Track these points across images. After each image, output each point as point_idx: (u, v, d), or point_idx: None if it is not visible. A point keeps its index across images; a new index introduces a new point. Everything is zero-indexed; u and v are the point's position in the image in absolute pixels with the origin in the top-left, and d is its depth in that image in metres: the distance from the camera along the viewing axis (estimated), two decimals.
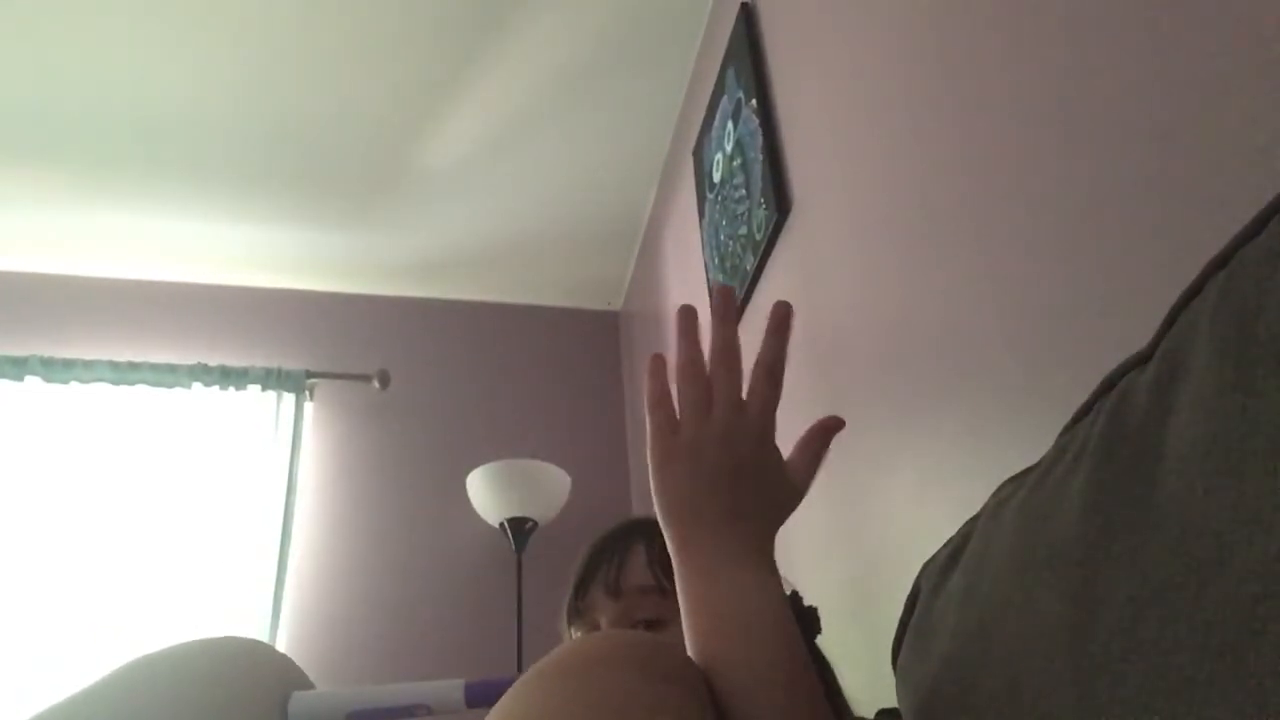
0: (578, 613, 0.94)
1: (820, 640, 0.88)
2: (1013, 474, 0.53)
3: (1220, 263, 0.35)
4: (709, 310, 2.03)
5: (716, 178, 1.98)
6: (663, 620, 0.89)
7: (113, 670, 0.62)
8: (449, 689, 0.69)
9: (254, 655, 0.67)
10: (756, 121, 1.71)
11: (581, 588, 0.94)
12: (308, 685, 0.69)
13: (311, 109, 2.35)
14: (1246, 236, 0.34)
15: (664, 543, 0.62)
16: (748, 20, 1.83)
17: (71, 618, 2.26)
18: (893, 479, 1.19)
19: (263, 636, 2.34)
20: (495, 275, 3.02)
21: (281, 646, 2.35)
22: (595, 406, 3.00)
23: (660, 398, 0.63)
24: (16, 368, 2.52)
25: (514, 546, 2.48)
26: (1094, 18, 0.82)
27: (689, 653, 0.56)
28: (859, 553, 1.29)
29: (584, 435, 2.91)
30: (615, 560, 0.93)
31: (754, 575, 0.59)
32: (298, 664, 0.73)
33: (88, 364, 2.58)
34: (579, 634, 0.94)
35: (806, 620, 0.91)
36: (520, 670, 2.35)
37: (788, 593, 0.92)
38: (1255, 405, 0.29)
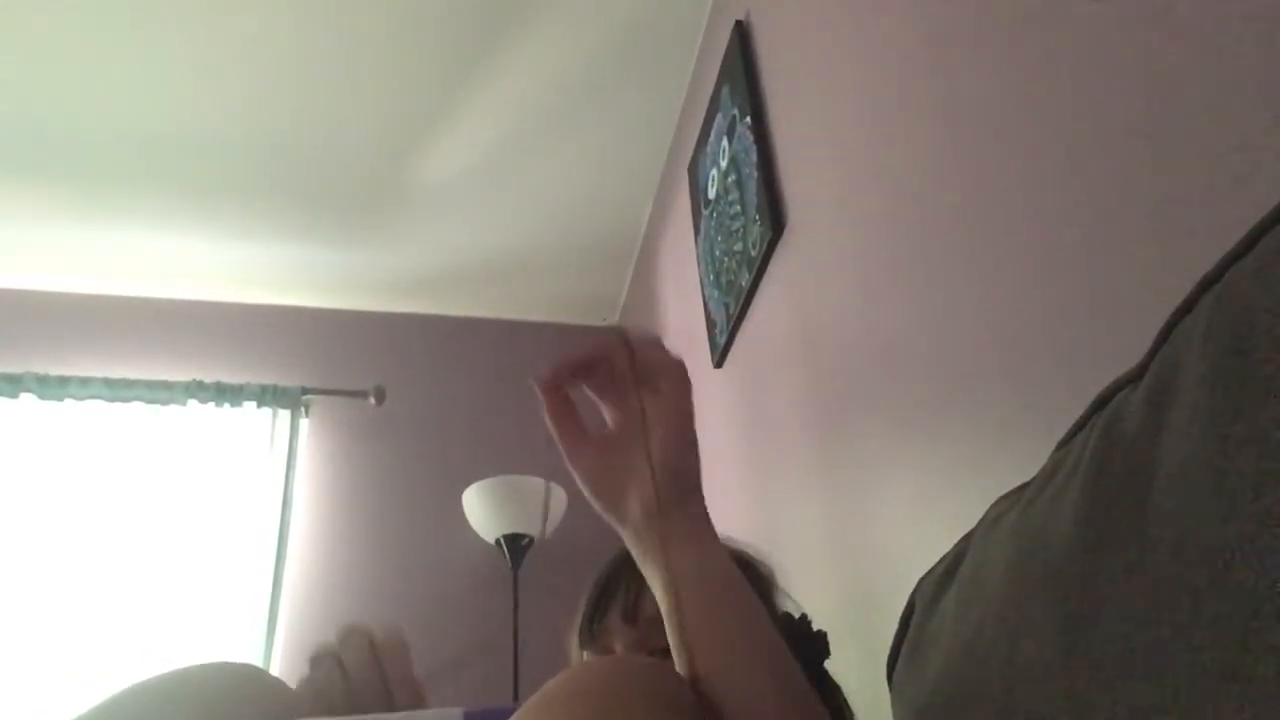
0: (591, 637, 0.93)
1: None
2: (1007, 490, 0.53)
3: (1211, 281, 0.35)
4: (706, 325, 2.03)
5: (711, 194, 1.99)
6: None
7: (106, 698, 0.61)
8: (447, 718, 0.67)
9: (248, 681, 0.67)
10: (751, 138, 1.72)
11: (597, 613, 0.93)
12: (303, 712, 0.68)
13: (309, 126, 2.36)
14: (1237, 255, 0.34)
15: None
16: (742, 37, 1.84)
17: (66, 636, 2.25)
18: (888, 495, 1.19)
19: (257, 654, 2.33)
20: (491, 291, 3.02)
21: (276, 664, 2.34)
22: (591, 422, 3.00)
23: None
24: (11, 385, 2.52)
25: (510, 563, 2.47)
26: (1094, 40, 0.83)
27: (677, 628, 0.58)
28: (855, 569, 1.28)
29: None
30: (633, 587, 0.91)
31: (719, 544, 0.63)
32: (292, 683, 0.72)
33: (83, 381, 2.57)
34: (590, 658, 0.93)
35: (817, 644, 0.91)
36: (516, 684, 2.33)
37: (796, 616, 0.92)
38: (1246, 423, 0.29)
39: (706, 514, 0.64)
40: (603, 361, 0.65)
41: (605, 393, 0.67)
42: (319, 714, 0.71)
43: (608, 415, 0.68)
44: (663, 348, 0.66)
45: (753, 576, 0.93)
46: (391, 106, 2.32)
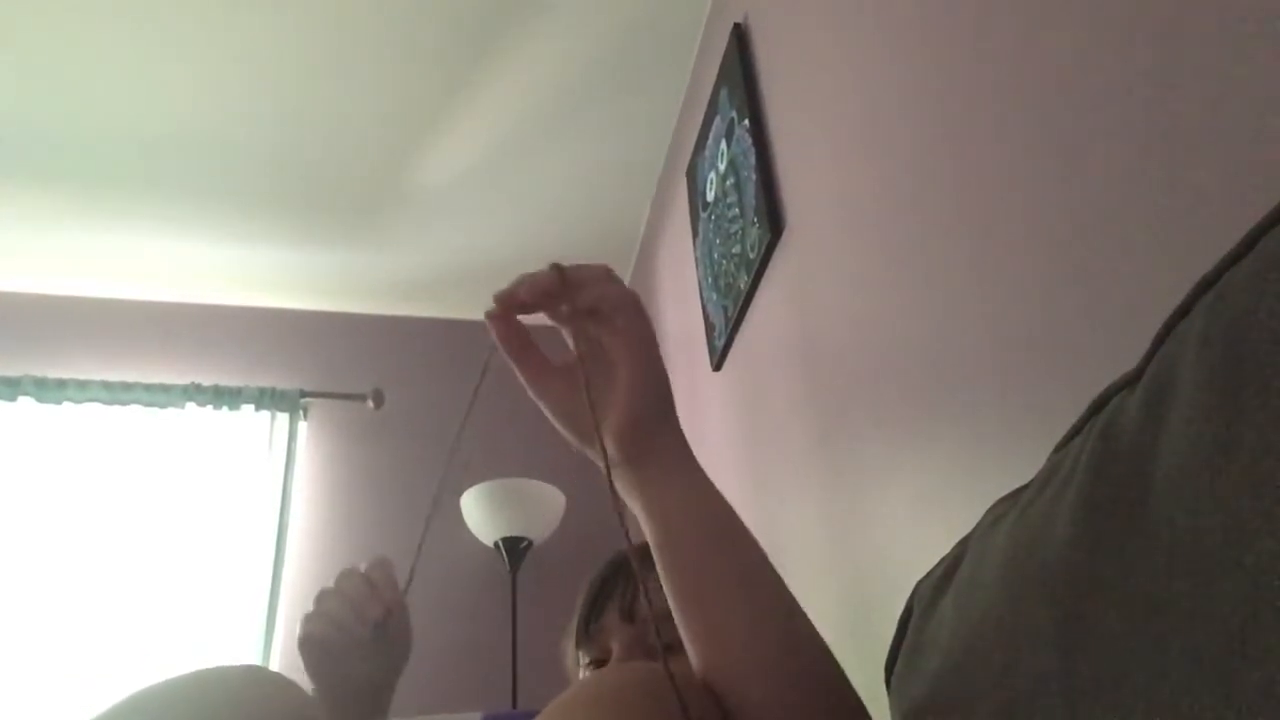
0: (588, 636, 0.93)
1: None
2: (1005, 493, 0.53)
3: (1209, 283, 0.35)
4: (705, 328, 2.03)
5: (710, 196, 1.99)
6: (675, 646, 0.89)
7: (106, 709, 0.61)
8: None
9: (250, 684, 0.66)
10: (749, 141, 1.72)
11: (594, 612, 0.93)
12: (312, 709, 0.68)
13: (308, 127, 2.36)
14: (1235, 257, 0.34)
15: None
16: (740, 41, 1.85)
17: (65, 638, 2.24)
18: (887, 497, 1.19)
19: (256, 657, 2.32)
20: (490, 294, 3.00)
21: (274, 667, 2.33)
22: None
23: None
24: (9, 388, 2.51)
25: (509, 566, 2.47)
26: (1092, 42, 0.83)
27: (668, 565, 0.58)
28: (854, 571, 1.28)
29: (578, 454, 2.90)
30: (630, 586, 0.92)
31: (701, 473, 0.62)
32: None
33: (81, 384, 2.57)
34: (588, 657, 0.94)
35: None
36: (515, 687, 2.33)
37: None
38: (1242, 426, 0.29)
39: (685, 442, 0.62)
40: (545, 300, 0.61)
41: (562, 319, 0.64)
42: (330, 641, 0.80)
43: (569, 340, 0.65)
44: (608, 280, 0.62)
45: None
46: (391, 107, 2.32)
